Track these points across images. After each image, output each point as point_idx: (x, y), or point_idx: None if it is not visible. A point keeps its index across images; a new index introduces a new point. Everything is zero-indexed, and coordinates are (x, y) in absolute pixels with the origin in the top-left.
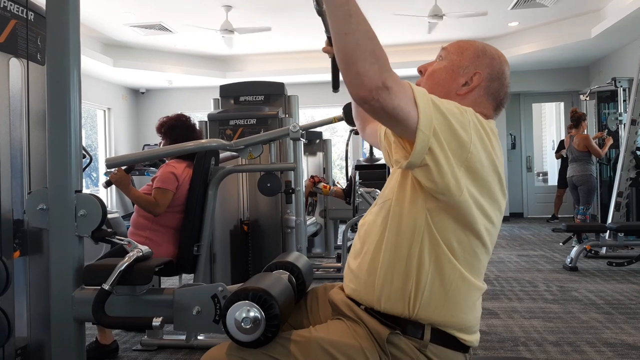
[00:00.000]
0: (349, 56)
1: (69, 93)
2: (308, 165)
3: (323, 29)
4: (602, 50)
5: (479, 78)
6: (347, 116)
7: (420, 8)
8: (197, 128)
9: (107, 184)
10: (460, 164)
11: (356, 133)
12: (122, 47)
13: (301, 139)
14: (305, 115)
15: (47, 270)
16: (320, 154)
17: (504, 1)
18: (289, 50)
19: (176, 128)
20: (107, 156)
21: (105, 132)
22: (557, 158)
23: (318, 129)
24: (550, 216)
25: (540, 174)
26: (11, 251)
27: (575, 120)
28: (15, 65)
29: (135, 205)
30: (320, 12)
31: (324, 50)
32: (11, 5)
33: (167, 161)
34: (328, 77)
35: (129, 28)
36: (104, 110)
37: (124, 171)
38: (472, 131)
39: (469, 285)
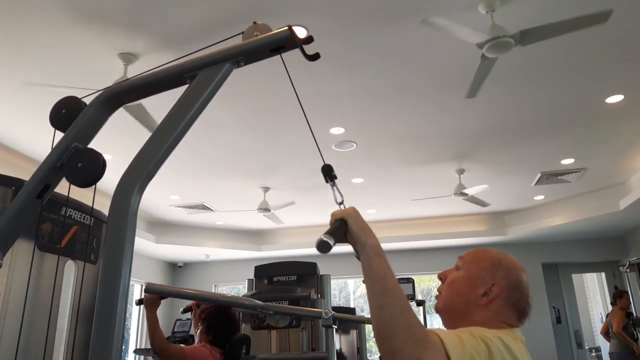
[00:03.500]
0: (383, 330)
1: (117, 299)
2: (341, 344)
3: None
4: (635, 221)
5: (497, 289)
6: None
7: (445, 185)
8: (236, 317)
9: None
10: None
11: None
12: (165, 224)
13: (333, 326)
14: (338, 282)
15: None
16: (353, 332)
17: (526, 178)
18: (319, 223)
19: (215, 316)
20: (139, 331)
21: (140, 307)
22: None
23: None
24: None
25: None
26: None
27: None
28: (70, 266)
29: None
30: (359, 258)
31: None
32: (75, 213)
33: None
34: None
35: (174, 208)
36: (142, 285)
37: (158, 297)
38: None
39: None
